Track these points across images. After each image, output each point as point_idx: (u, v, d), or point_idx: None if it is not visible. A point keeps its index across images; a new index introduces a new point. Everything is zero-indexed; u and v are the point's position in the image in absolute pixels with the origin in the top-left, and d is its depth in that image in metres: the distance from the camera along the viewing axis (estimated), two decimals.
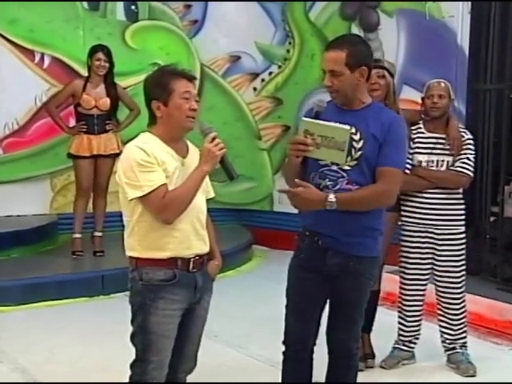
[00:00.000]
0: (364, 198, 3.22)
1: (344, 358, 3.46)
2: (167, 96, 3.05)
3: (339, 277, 3.30)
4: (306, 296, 3.39)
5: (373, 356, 4.61)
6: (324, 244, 3.29)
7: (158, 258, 3.06)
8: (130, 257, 3.13)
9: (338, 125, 3.12)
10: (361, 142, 3.22)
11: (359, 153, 3.22)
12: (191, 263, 3.11)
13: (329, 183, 3.25)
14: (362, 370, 4.37)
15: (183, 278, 3.09)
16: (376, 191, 3.23)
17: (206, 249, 3.21)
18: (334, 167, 3.24)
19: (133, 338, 3.14)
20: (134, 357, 3.15)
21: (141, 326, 3.09)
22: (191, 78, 3.15)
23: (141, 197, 2.99)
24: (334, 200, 3.14)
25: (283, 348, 3.49)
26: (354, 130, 3.17)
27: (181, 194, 3.03)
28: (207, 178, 3.20)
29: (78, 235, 6.68)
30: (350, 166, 3.22)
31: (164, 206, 2.99)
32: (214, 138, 3.07)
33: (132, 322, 3.15)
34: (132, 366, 3.15)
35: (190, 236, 3.12)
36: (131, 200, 3.03)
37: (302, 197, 3.16)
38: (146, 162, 2.99)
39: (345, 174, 3.23)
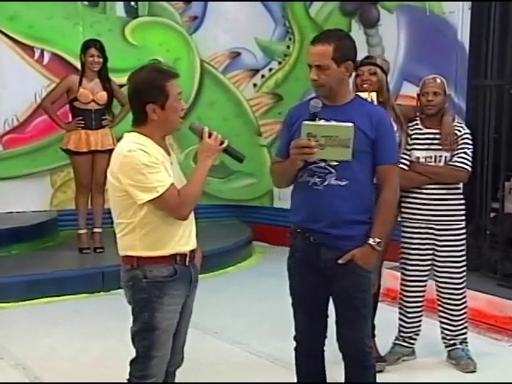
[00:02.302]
0: (388, 215, 3.38)
1: (358, 359, 3.42)
2: (165, 99, 3.04)
3: (336, 274, 3.30)
4: (308, 293, 3.40)
5: (382, 359, 4.52)
6: (316, 240, 3.32)
7: (160, 256, 3.09)
8: (129, 256, 3.12)
9: (340, 123, 3.18)
10: None
11: None
12: (188, 257, 3.16)
13: (317, 180, 3.29)
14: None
15: (182, 272, 3.14)
16: (389, 200, 3.36)
17: (196, 243, 3.25)
18: (322, 164, 3.27)
19: (136, 336, 3.13)
20: (134, 355, 3.14)
21: (147, 323, 3.09)
22: (178, 76, 3.13)
23: (155, 198, 2.99)
24: (377, 241, 3.28)
25: (294, 344, 3.53)
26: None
27: (193, 189, 3.08)
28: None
29: (83, 231, 6.73)
30: (337, 161, 3.24)
31: (181, 203, 3.03)
32: (210, 133, 3.10)
33: (135, 320, 3.14)
34: (133, 363, 3.15)
35: (187, 232, 3.16)
36: (143, 203, 3.01)
37: (367, 262, 3.29)
38: (152, 162, 2.99)
39: (333, 170, 3.26)
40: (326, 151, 3.18)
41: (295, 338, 3.52)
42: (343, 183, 3.26)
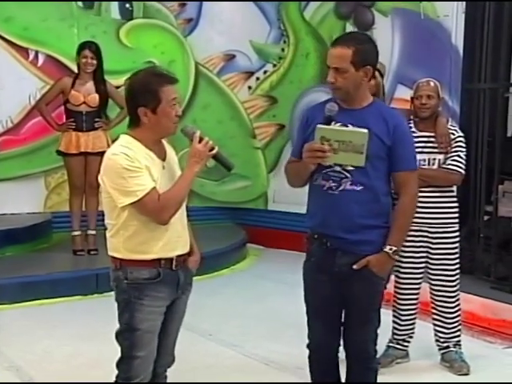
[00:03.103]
0: (405, 221, 3.36)
1: (361, 361, 3.43)
2: (156, 104, 3.04)
3: (350, 278, 3.29)
4: (323, 298, 3.38)
5: None
6: (333, 245, 3.29)
7: (142, 259, 3.10)
8: (114, 257, 3.15)
9: (354, 129, 3.15)
10: None
11: None
12: (174, 262, 3.15)
13: (332, 184, 3.26)
14: None
15: (167, 275, 3.13)
16: (407, 207, 3.32)
17: (187, 248, 3.24)
18: (338, 168, 3.24)
19: (119, 335, 3.17)
20: (119, 355, 3.16)
21: (127, 324, 3.12)
22: (176, 82, 3.13)
23: (134, 202, 3.00)
24: (393, 249, 3.27)
25: (307, 352, 3.49)
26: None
27: (175, 194, 3.06)
28: None
29: (77, 232, 6.73)
30: (353, 166, 3.21)
31: (160, 208, 3.02)
32: (201, 138, 3.09)
33: (119, 321, 3.17)
34: (118, 363, 3.18)
35: (174, 238, 3.14)
36: (123, 206, 3.03)
37: (381, 269, 3.28)
38: (133, 167, 3.00)
39: (348, 175, 3.23)
40: (339, 156, 3.15)
41: (308, 347, 3.48)
42: (358, 188, 3.23)
